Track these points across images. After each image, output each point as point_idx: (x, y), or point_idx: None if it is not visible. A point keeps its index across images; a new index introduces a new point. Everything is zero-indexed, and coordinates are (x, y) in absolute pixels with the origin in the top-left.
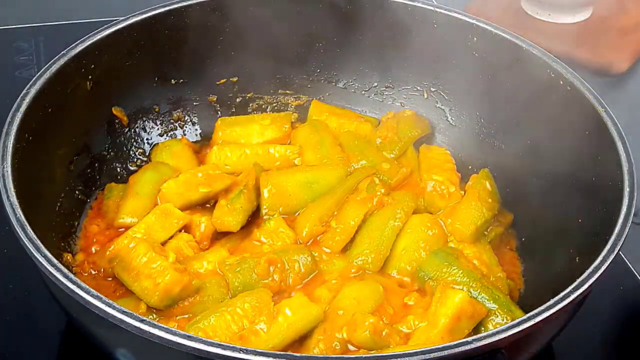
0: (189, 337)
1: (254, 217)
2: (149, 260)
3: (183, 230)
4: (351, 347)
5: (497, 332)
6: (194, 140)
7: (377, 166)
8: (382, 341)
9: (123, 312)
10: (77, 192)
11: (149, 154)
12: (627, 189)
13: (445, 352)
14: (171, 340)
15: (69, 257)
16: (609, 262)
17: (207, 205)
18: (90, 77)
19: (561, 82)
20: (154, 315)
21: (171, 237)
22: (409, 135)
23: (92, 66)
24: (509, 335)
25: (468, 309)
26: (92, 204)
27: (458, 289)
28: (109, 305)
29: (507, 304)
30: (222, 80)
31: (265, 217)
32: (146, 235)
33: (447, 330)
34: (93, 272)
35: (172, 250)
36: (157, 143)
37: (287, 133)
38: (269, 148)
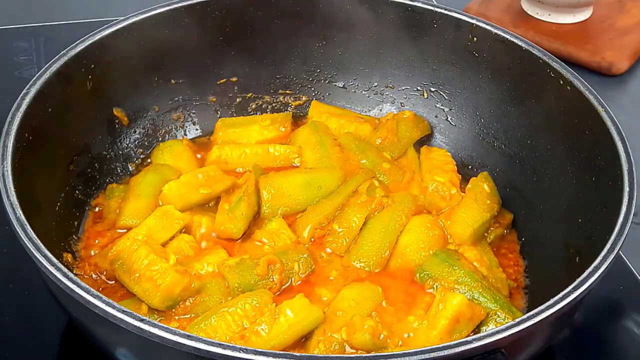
0: (188, 337)
1: (254, 219)
2: (149, 263)
3: (184, 231)
4: (349, 349)
5: (497, 332)
6: (194, 140)
7: (378, 166)
8: (380, 344)
9: (123, 312)
10: (77, 192)
11: (149, 154)
12: (627, 189)
13: (445, 352)
14: (171, 340)
15: (69, 257)
16: (609, 262)
17: (208, 205)
18: (90, 77)
19: (561, 82)
20: (155, 316)
21: (172, 238)
22: (408, 136)
23: (92, 66)
24: (509, 335)
25: (466, 312)
26: (92, 204)
27: (457, 293)
28: (109, 305)
29: (507, 304)
30: (222, 80)
31: (265, 220)
32: (147, 236)
33: (446, 331)
34: (94, 277)
35: (173, 251)
36: (158, 144)
37: (286, 133)
38: (268, 148)
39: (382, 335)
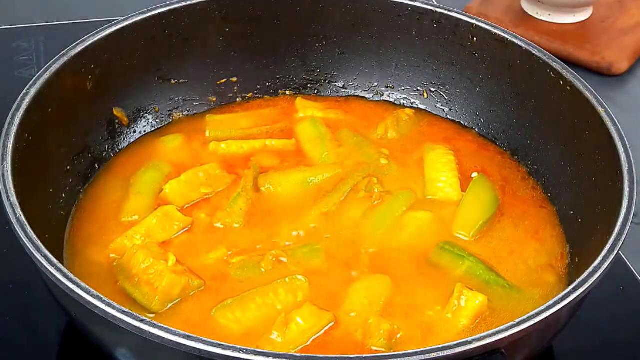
0: (188, 337)
1: (256, 214)
2: (147, 267)
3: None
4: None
5: (497, 332)
6: (193, 137)
7: (376, 162)
8: (396, 345)
9: (123, 312)
10: (77, 192)
11: (148, 152)
12: (627, 189)
13: (445, 352)
14: (171, 340)
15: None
16: (609, 262)
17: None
18: (90, 77)
19: (561, 82)
20: None
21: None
22: (408, 133)
23: (92, 66)
24: (509, 336)
25: (486, 312)
26: (92, 203)
27: (478, 293)
28: (109, 305)
29: (518, 290)
30: (222, 80)
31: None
32: (147, 236)
33: (467, 330)
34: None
35: (174, 248)
36: (157, 140)
37: (285, 128)
38: (265, 142)
39: (398, 336)
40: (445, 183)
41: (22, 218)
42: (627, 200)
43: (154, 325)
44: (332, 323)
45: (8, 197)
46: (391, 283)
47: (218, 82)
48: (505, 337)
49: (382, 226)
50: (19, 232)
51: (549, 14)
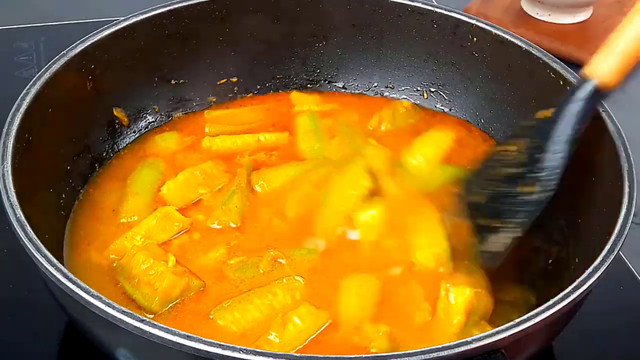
0: (188, 337)
1: (251, 212)
2: (147, 268)
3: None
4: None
5: (497, 332)
6: (190, 135)
7: (363, 151)
8: (394, 347)
9: (123, 312)
10: (77, 192)
11: (148, 151)
12: (627, 189)
13: (445, 352)
14: (171, 340)
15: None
16: (609, 262)
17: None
18: (90, 77)
19: (561, 82)
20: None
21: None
22: (404, 126)
23: (92, 66)
24: (509, 335)
25: (476, 304)
26: (92, 203)
27: (463, 287)
28: (109, 305)
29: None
30: (222, 80)
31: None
32: (147, 237)
33: (463, 327)
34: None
35: (174, 249)
36: (153, 137)
37: (283, 123)
38: (259, 136)
39: (396, 336)
40: None
41: (22, 218)
42: (627, 200)
43: (154, 326)
44: (329, 322)
45: (8, 197)
46: (389, 284)
47: (218, 82)
48: (505, 337)
49: (381, 227)
50: (19, 232)
51: (549, 14)
